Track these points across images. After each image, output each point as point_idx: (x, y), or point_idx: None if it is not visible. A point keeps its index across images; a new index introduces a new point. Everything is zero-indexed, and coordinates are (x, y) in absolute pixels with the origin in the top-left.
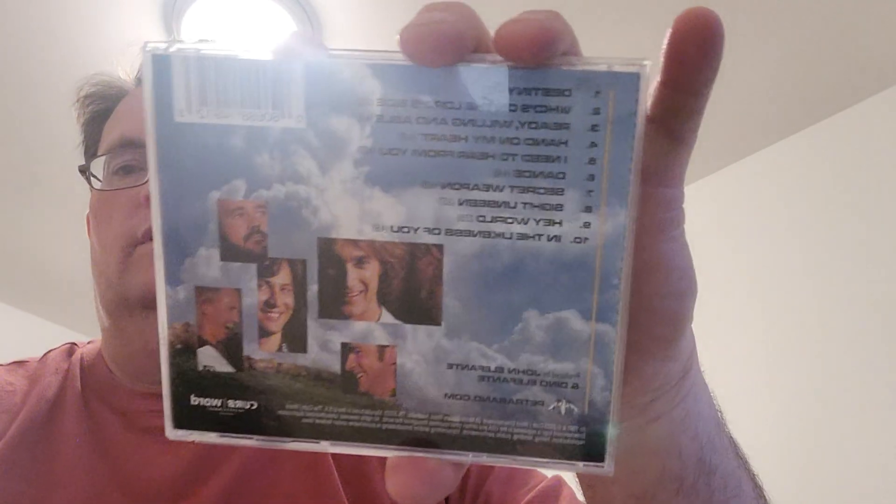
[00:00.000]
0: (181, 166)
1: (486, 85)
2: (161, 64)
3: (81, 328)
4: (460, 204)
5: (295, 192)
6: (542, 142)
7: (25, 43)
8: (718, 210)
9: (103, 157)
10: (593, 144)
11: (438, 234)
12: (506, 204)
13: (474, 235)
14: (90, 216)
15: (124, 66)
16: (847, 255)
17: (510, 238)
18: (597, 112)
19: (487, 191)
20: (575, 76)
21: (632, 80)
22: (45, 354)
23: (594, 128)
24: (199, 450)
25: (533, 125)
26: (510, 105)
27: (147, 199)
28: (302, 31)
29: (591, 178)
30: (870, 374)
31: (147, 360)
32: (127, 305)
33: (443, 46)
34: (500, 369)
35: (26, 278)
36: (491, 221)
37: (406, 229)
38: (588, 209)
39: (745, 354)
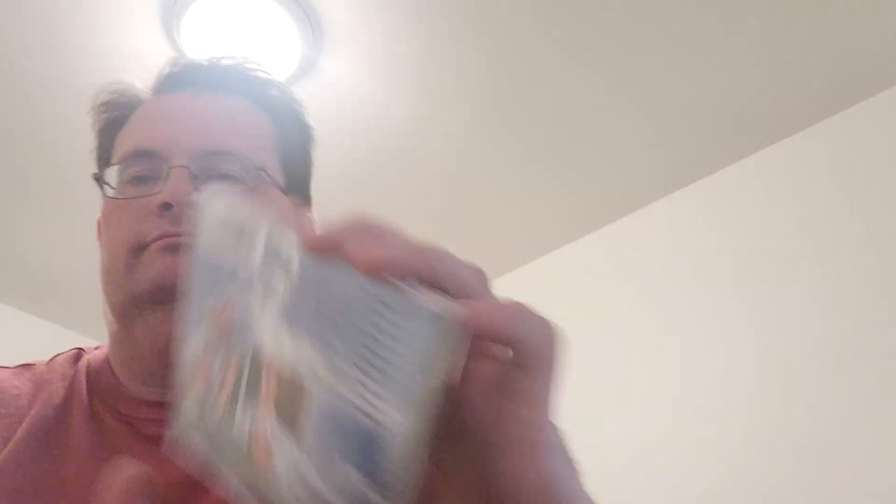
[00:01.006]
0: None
1: (362, 289)
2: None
3: (80, 329)
4: (323, 355)
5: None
6: (381, 340)
7: (24, 44)
8: (718, 210)
9: (117, 166)
10: (416, 363)
11: (308, 378)
12: (342, 369)
13: (328, 392)
14: (101, 222)
15: (141, 76)
16: (847, 256)
17: (340, 399)
18: (424, 341)
19: (338, 355)
20: (409, 308)
21: (449, 329)
22: (52, 359)
23: (419, 351)
24: None
25: (377, 327)
26: (375, 310)
27: (159, 207)
28: None
29: (407, 387)
30: (869, 376)
31: (155, 360)
32: (136, 304)
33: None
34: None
35: (25, 279)
36: (337, 382)
37: (292, 365)
38: (392, 404)
39: (743, 357)
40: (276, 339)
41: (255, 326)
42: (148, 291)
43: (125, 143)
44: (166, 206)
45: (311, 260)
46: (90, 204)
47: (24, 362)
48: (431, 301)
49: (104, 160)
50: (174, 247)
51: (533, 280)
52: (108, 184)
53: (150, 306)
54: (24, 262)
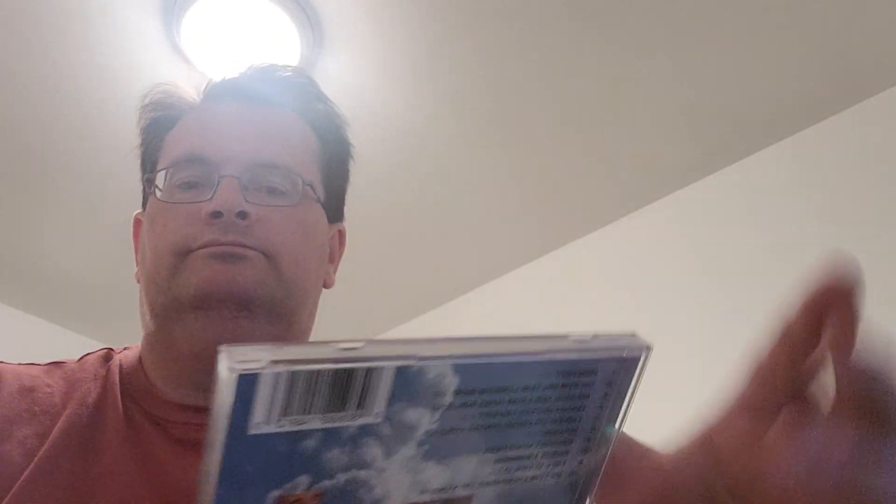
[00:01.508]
0: (244, 472)
1: (542, 372)
2: (247, 383)
3: (81, 329)
4: (496, 462)
5: (355, 476)
6: (568, 409)
7: (27, 44)
8: (718, 211)
9: (164, 171)
10: (601, 407)
11: (471, 487)
12: (531, 457)
13: (499, 483)
14: (146, 223)
15: (141, 76)
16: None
17: (524, 480)
18: (609, 385)
19: (519, 448)
20: (601, 360)
21: (636, 362)
22: (82, 357)
23: (605, 396)
24: None
25: (566, 398)
26: (555, 384)
27: (209, 215)
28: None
29: (594, 430)
30: None
31: (192, 363)
32: (178, 308)
33: None
34: None
35: (25, 279)
36: (516, 471)
37: (445, 489)
38: (585, 451)
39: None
40: (415, 479)
41: (372, 486)
42: (192, 296)
43: (176, 147)
44: (216, 214)
45: (477, 372)
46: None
47: (53, 360)
48: (614, 340)
49: (150, 160)
50: (222, 255)
51: (533, 280)
52: (157, 186)
53: (192, 311)
54: (24, 262)
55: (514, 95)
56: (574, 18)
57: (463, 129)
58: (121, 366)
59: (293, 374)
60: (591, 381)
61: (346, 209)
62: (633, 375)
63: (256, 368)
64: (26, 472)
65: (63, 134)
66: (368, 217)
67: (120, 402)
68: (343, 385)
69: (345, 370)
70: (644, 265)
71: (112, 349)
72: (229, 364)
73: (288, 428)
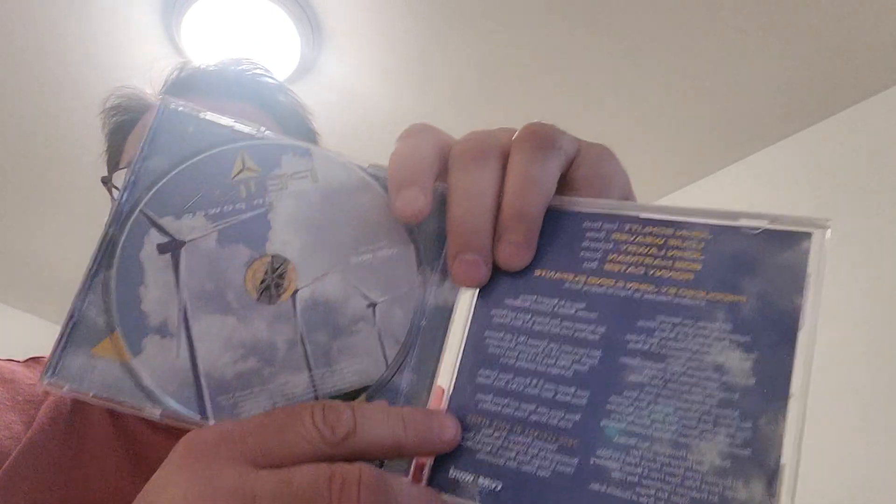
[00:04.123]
0: None
1: None
2: None
3: None
4: None
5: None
6: None
7: (27, 46)
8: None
9: (125, 169)
10: None
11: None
12: None
13: None
14: None
15: (151, 80)
16: (847, 256)
17: None
18: None
19: None
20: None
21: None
22: None
23: None
24: None
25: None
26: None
27: None
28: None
29: None
30: (869, 377)
31: None
32: None
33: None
34: None
35: (25, 279)
36: None
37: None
38: None
39: None
40: None
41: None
42: None
43: (135, 146)
44: None
45: None
46: (92, 205)
47: (32, 356)
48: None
49: (113, 164)
50: None
51: None
52: (116, 187)
53: None
54: (24, 262)
55: (515, 95)
56: (578, 15)
57: (463, 130)
58: None
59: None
60: None
61: None
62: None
63: None
64: (11, 458)
65: (63, 134)
66: None
67: None
68: None
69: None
70: None
71: None
72: None
73: None
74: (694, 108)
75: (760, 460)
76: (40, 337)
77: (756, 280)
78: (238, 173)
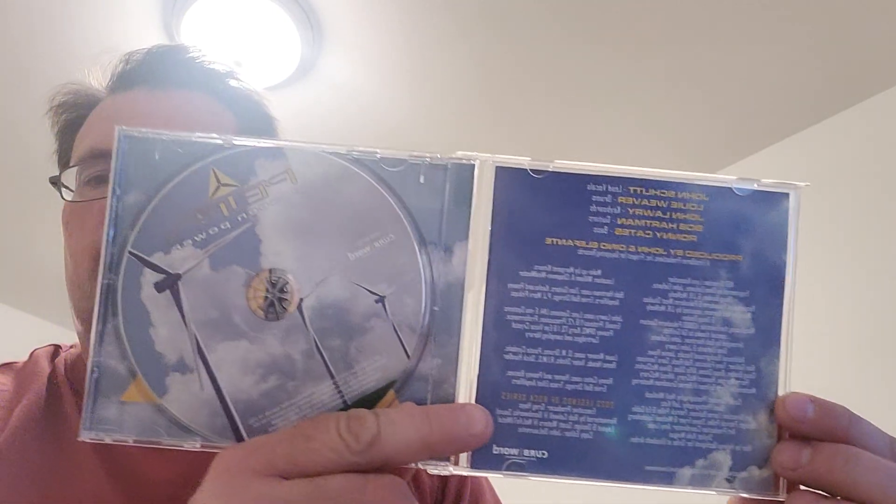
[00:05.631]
0: None
1: None
2: None
3: None
4: None
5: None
6: None
7: (26, 45)
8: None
9: (75, 168)
10: None
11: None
12: None
13: None
14: (62, 228)
15: (96, 74)
16: (846, 256)
17: None
18: None
19: None
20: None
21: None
22: (30, 354)
23: None
24: (193, 458)
25: None
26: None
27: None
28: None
29: None
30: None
31: None
32: None
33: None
34: None
35: (25, 279)
36: None
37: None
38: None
39: None
40: None
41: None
42: None
43: (82, 144)
44: None
45: None
46: None
47: (3, 362)
48: None
49: (64, 162)
50: None
51: None
52: (66, 186)
53: None
54: (24, 262)
55: (515, 94)
56: (578, 14)
57: (463, 130)
58: (66, 362)
59: None
60: None
61: None
62: None
63: None
64: None
65: None
66: None
67: (72, 398)
68: None
69: None
70: None
71: (60, 346)
72: None
73: None
74: (694, 108)
75: (763, 395)
76: (40, 337)
77: (749, 239)
78: (215, 191)
